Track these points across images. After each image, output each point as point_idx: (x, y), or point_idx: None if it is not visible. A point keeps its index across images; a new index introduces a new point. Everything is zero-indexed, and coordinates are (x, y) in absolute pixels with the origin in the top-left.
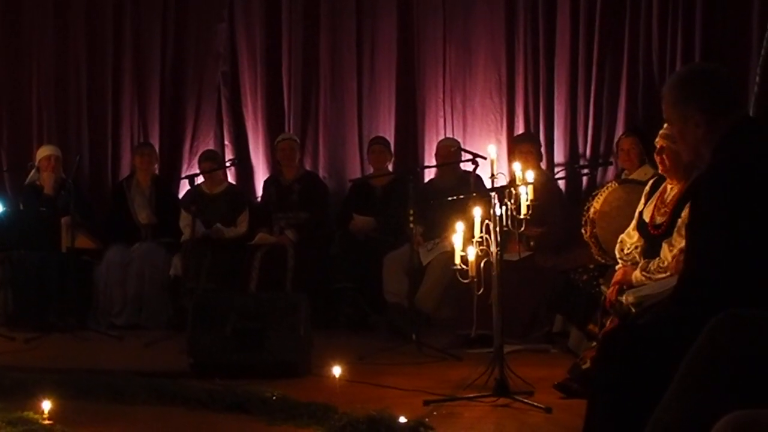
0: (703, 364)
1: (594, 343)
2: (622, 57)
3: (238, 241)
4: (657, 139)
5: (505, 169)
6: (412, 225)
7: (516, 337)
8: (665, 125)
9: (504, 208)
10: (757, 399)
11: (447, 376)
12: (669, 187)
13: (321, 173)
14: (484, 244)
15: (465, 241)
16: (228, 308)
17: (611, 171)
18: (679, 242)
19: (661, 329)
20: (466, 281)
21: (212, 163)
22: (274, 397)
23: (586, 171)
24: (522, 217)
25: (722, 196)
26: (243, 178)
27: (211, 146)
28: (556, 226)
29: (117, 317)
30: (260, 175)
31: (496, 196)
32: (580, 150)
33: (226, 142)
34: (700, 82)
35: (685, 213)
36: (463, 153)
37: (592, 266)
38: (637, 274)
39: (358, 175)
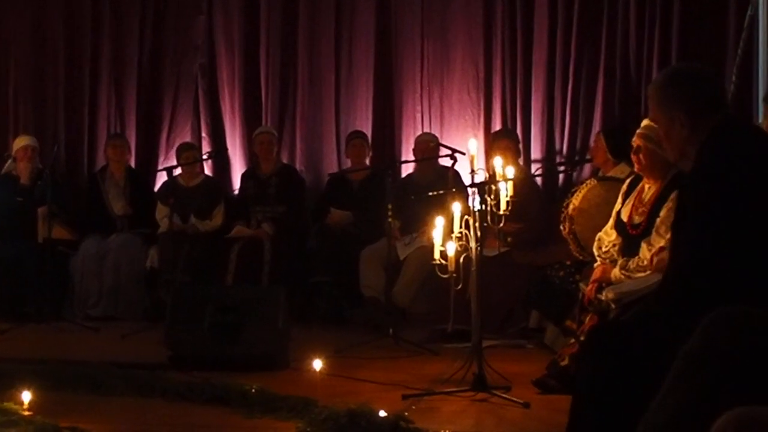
0: (697, 362)
1: (572, 340)
2: (599, 54)
3: (215, 234)
4: (634, 139)
5: (482, 165)
6: (390, 219)
7: (492, 332)
8: (642, 124)
9: (484, 203)
10: (753, 396)
11: (424, 371)
12: (646, 186)
13: (298, 167)
14: (464, 239)
15: (445, 236)
16: (206, 300)
17: (587, 168)
18: (658, 241)
19: (646, 326)
20: (445, 276)
21: (191, 155)
22: (253, 390)
23: (563, 168)
24: (501, 213)
25: (707, 195)
26: (220, 170)
27: (188, 138)
28: (533, 222)
29: (93, 308)
30: (237, 168)
31: (477, 191)
32: (557, 147)
33: (203, 135)
34: (685, 83)
35: (663, 213)
36: (441, 148)
37: (568, 263)
38: (616, 272)
39: (335, 169)
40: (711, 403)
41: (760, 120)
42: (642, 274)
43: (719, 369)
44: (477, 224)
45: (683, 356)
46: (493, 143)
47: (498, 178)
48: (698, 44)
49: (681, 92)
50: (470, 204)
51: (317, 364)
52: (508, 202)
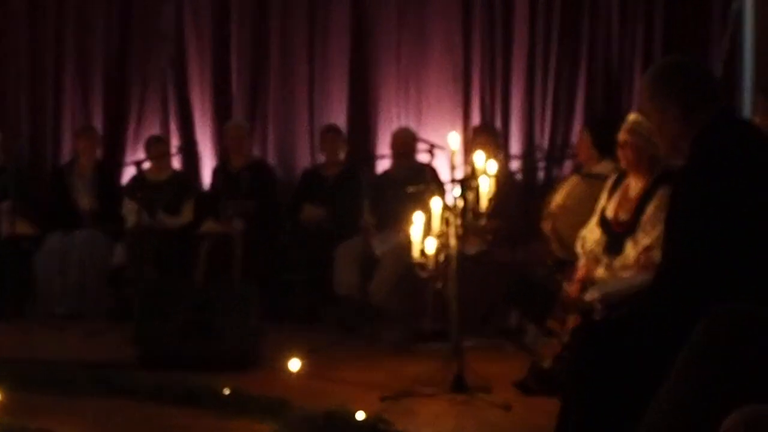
0: (699, 361)
1: (554, 341)
2: (581, 47)
3: (184, 230)
4: (620, 133)
5: (461, 160)
6: (365, 216)
7: (471, 331)
8: (629, 119)
9: (464, 199)
10: (756, 395)
11: (401, 371)
12: (632, 182)
13: (270, 161)
14: (443, 237)
15: (423, 234)
16: (176, 298)
17: (569, 165)
18: (644, 239)
19: (637, 325)
20: (423, 274)
21: (159, 148)
22: (226, 391)
23: (544, 164)
24: (482, 210)
25: (701, 191)
26: (189, 164)
27: (156, 131)
28: (513, 219)
29: (57, 306)
30: (207, 162)
31: (458, 187)
32: (537, 142)
33: (172, 128)
34: (678, 75)
35: (650, 210)
36: (419, 143)
37: (550, 261)
38: (600, 272)
39: (308, 163)
40: (714, 403)
41: (749, 114)
42: (627, 274)
43: (722, 368)
44: (457, 221)
45: (684, 355)
46: (473, 138)
47: (479, 173)
48: (682, 37)
49: (675, 85)
50: (449, 201)
51: (292, 364)
52: (489, 199)
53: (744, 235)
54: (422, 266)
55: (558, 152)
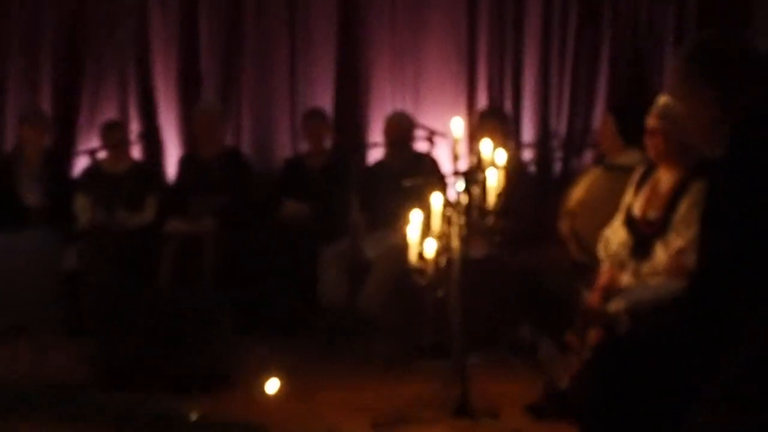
0: (751, 378)
1: (571, 357)
2: (603, 20)
3: (147, 230)
4: (649, 118)
5: (466, 150)
6: (355, 213)
7: (476, 347)
8: (659, 102)
9: (468, 195)
10: None
11: (396, 393)
12: (663, 175)
13: (245, 150)
14: (444, 238)
15: (422, 234)
16: (138, 309)
17: (589, 155)
18: (676, 241)
19: (668, 340)
20: (421, 281)
21: (117, 135)
22: (194, 416)
23: (560, 153)
24: (490, 207)
25: (744, 186)
26: (152, 153)
27: (113, 115)
28: (526, 217)
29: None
30: (172, 151)
31: (462, 181)
32: (553, 129)
33: (132, 111)
34: (716, 54)
35: (683, 207)
36: (417, 130)
37: (568, 266)
38: (625, 278)
39: (289, 153)
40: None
41: None
42: (657, 281)
43: None
44: (461, 220)
45: (730, 375)
46: (479, 124)
47: (486, 165)
48: (719, 8)
49: (711, 64)
50: (452, 196)
51: (271, 384)
52: (498, 194)
53: None
54: (420, 272)
55: (577, 140)
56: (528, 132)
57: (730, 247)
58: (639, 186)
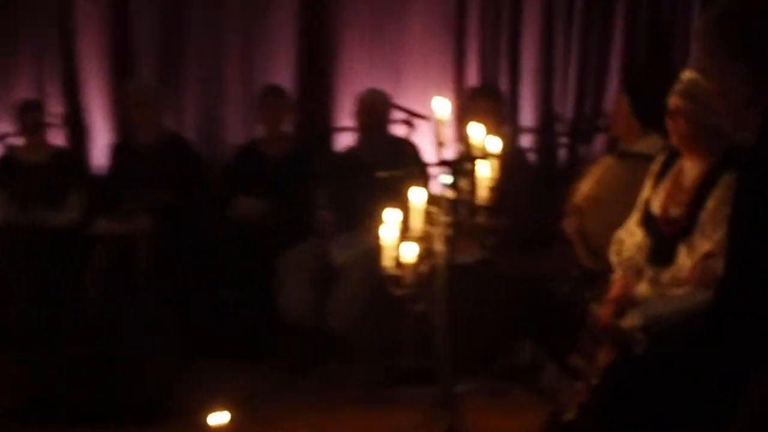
0: None
1: (579, 382)
2: None
3: (71, 230)
4: (670, 98)
5: (453, 135)
6: (321, 211)
7: (468, 371)
8: (683, 78)
9: (455, 189)
10: None
11: (373, 425)
12: (687, 166)
13: (190, 137)
14: (427, 240)
15: (399, 236)
16: (60, 325)
17: (600, 141)
18: (703, 244)
19: (692, 361)
20: (399, 292)
21: (33, 117)
22: None
23: (566, 140)
24: (481, 202)
25: None
26: (76, 140)
27: (29, 94)
28: (525, 216)
29: None
30: (100, 138)
31: (448, 172)
32: (557, 110)
33: (52, 90)
34: (750, 19)
35: (711, 204)
36: (395, 111)
37: (575, 273)
38: (642, 288)
39: (242, 139)
40: None
41: None
42: (680, 291)
43: None
44: (446, 219)
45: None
46: (468, 105)
47: (476, 153)
48: None
49: (743, 33)
50: (436, 190)
51: (220, 417)
52: (490, 187)
53: None
54: (398, 281)
55: (586, 124)
56: (527, 114)
57: (764, 251)
58: (659, 178)
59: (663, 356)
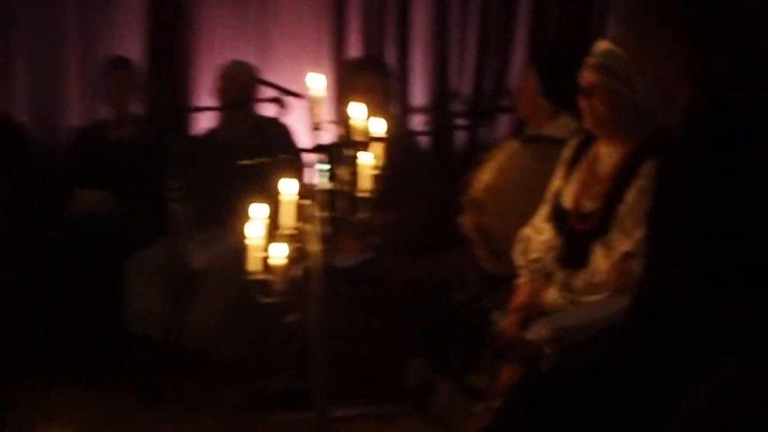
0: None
1: (479, 404)
2: None
3: None
4: (583, 73)
5: (331, 116)
6: (176, 205)
7: (348, 393)
8: (597, 49)
9: (334, 179)
10: None
11: None
12: (604, 152)
13: (19, 118)
14: (300, 239)
15: (267, 235)
16: None
17: (504, 123)
18: (622, 243)
19: (607, 378)
20: (268, 301)
21: None
22: None
23: (463, 121)
24: (363, 195)
25: (707, 168)
26: None
27: None
28: (415, 210)
29: None
30: None
31: (324, 159)
32: (453, 87)
33: None
34: None
35: (631, 196)
36: (263, 88)
37: (474, 278)
38: (552, 295)
39: (83, 121)
40: None
41: None
42: (595, 297)
43: None
44: (323, 214)
45: (691, 415)
46: (349, 80)
47: (357, 136)
48: None
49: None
50: (311, 180)
51: None
52: (374, 176)
53: None
54: (266, 288)
55: (487, 103)
56: (418, 92)
57: (688, 252)
58: (571, 166)
59: (575, 373)
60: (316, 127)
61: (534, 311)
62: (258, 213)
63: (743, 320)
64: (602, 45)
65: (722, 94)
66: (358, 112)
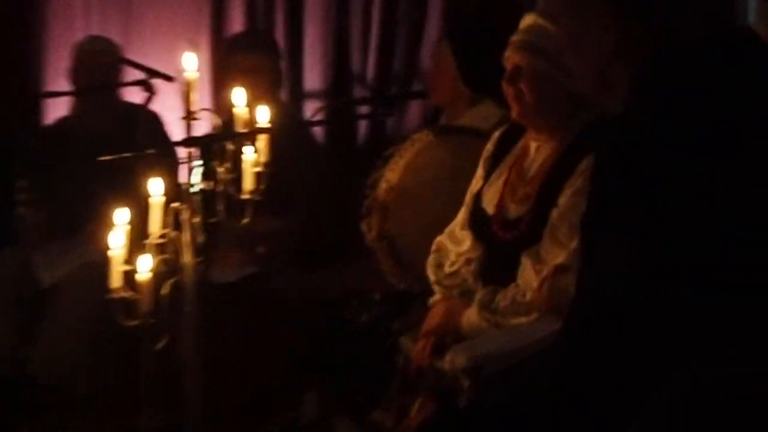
0: None
1: None
2: None
3: None
4: (508, 53)
5: (207, 103)
6: (22, 209)
7: (231, 431)
8: (522, 25)
9: (211, 178)
10: None
11: None
12: (533, 146)
13: None
14: (170, 249)
15: (132, 244)
16: None
17: (415, 111)
18: (555, 255)
19: (533, 413)
20: (132, 323)
21: None
22: None
23: (367, 109)
24: (247, 197)
25: (653, 166)
26: None
27: None
28: (310, 215)
29: None
30: None
31: (198, 154)
32: (354, 69)
33: None
34: None
35: (564, 199)
36: (127, 69)
37: (379, 296)
38: (471, 316)
39: None
40: None
41: (751, 19)
42: (522, 319)
43: None
44: (197, 220)
45: None
46: (229, 61)
47: (239, 127)
48: None
49: None
50: (184, 180)
51: None
52: (259, 174)
53: (725, 243)
54: (131, 308)
55: (394, 88)
56: (313, 74)
57: (628, 264)
58: (494, 163)
59: (497, 409)
60: (190, 116)
61: (450, 335)
62: (121, 218)
63: (698, 342)
64: (530, 19)
65: (656, 85)
66: (240, 98)
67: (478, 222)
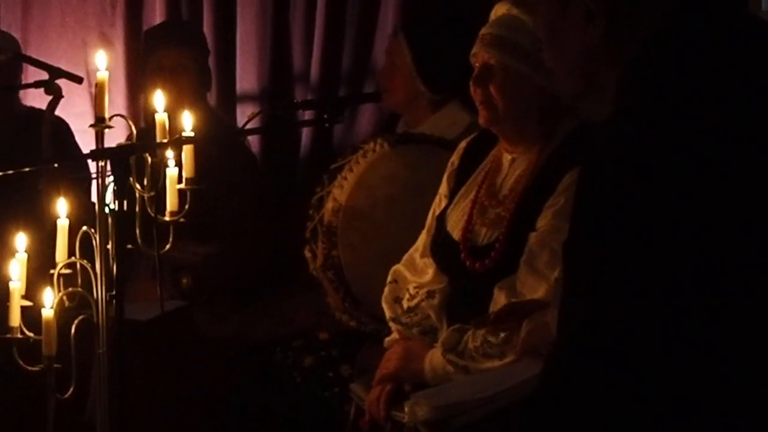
0: None
1: None
2: None
3: None
4: (475, 49)
5: (123, 108)
6: None
7: None
8: (494, 14)
9: (127, 197)
10: None
11: None
12: (506, 159)
13: None
14: (79, 282)
15: (33, 276)
16: None
17: (367, 117)
18: (533, 287)
19: None
20: (34, 368)
21: None
22: None
23: (310, 115)
24: (168, 219)
25: (649, 181)
26: None
27: None
28: (242, 241)
29: None
30: None
31: (110, 168)
32: (296, 68)
33: None
34: None
35: (546, 220)
36: (28, 69)
37: (325, 336)
38: (435, 359)
39: None
40: None
41: (764, 7)
42: (495, 363)
43: None
44: (110, 246)
45: None
46: (147, 58)
47: (160, 136)
48: None
49: None
50: (98, 198)
51: None
52: (183, 192)
53: (726, 272)
54: (32, 350)
55: (342, 90)
56: (248, 75)
57: (620, 299)
58: (460, 179)
59: None
60: (102, 124)
61: (409, 382)
62: (20, 245)
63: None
64: (502, 9)
65: (649, 85)
66: (161, 102)
67: (441, 249)
